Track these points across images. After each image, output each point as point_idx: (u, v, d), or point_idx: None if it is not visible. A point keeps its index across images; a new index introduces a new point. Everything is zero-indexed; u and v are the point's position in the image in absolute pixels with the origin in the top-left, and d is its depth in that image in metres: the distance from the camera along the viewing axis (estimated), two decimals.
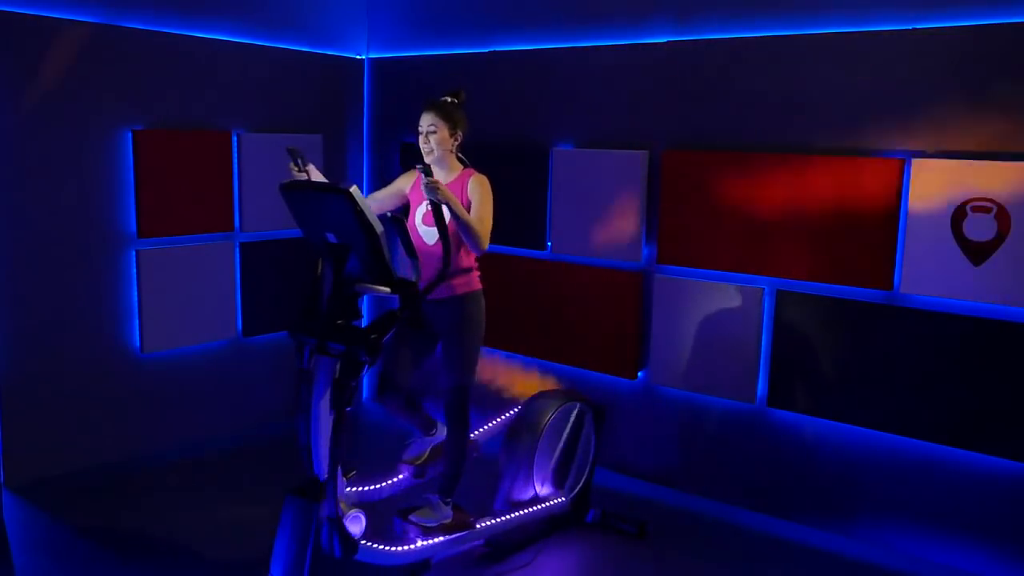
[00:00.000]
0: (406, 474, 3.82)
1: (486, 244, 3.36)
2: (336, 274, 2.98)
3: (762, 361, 4.11)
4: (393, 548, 3.30)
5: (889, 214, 3.70)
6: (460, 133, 3.48)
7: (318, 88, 5.39)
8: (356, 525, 3.06)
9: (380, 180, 5.52)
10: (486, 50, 5.02)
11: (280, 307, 5.10)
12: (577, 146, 4.68)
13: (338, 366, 2.99)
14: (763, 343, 4.11)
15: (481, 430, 4.06)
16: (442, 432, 3.83)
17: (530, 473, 3.78)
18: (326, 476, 2.98)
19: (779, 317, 4.02)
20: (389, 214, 3.41)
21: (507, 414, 4.11)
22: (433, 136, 3.43)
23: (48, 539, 3.84)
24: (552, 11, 4.76)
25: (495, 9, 5.02)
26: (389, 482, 3.80)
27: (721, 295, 4.18)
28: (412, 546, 3.38)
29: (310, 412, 2.96)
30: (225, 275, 4.96)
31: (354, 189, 2.80)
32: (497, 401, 5.02)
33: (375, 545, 3.22)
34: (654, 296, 4.41)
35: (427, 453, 3.85)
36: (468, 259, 3.48)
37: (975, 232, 3.51)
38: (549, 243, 4.79)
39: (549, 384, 4.83)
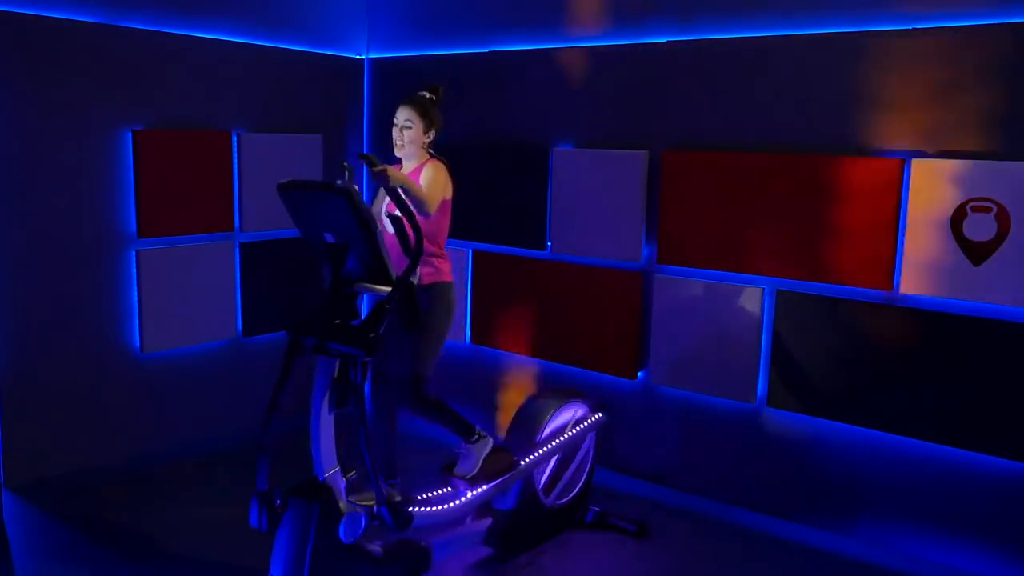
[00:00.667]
0: (462, 488, 3.54)
1: (430, 208, 3.30)
2: (334, 274, 2.98)
3: (762, 361, 4.11)
4: (445, 506, 3.35)
5: (889, 214, 3.70)
6: (434, 132, 3.53)
7: (318, 88, 5.39)
8: (356, 525, 3.05)
9: None
10: (486, 50, 5.02)
11: (280, 307, 5.10)
12: (577, 146, 4.68)
13: (337, 366, 2.99)
14: (763, 343, 4.10)
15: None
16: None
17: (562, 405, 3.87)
18: (359, 473, 3.05)
19: (779, 317, 4.02)
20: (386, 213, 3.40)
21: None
22: (408, 131, 3.48)
23: (48, 539, 3.84)
24: (552, 11, 4.76)
25: (495, 9, 5.01)
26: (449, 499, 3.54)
27: (721, 295, 4.19)
28: (463, 499, 3.40)
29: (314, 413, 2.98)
30: (225, 275, 4.96)
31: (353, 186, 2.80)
32: (497, 401, 5.03)
33: (427, 508, 3.26)
34: (654, 296, 4.41)
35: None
36: (433, 247, 3.49)
37: (975, 232, 3.51)
38: (549, 243, 4.79)
39: (549, 385, 4.83)
